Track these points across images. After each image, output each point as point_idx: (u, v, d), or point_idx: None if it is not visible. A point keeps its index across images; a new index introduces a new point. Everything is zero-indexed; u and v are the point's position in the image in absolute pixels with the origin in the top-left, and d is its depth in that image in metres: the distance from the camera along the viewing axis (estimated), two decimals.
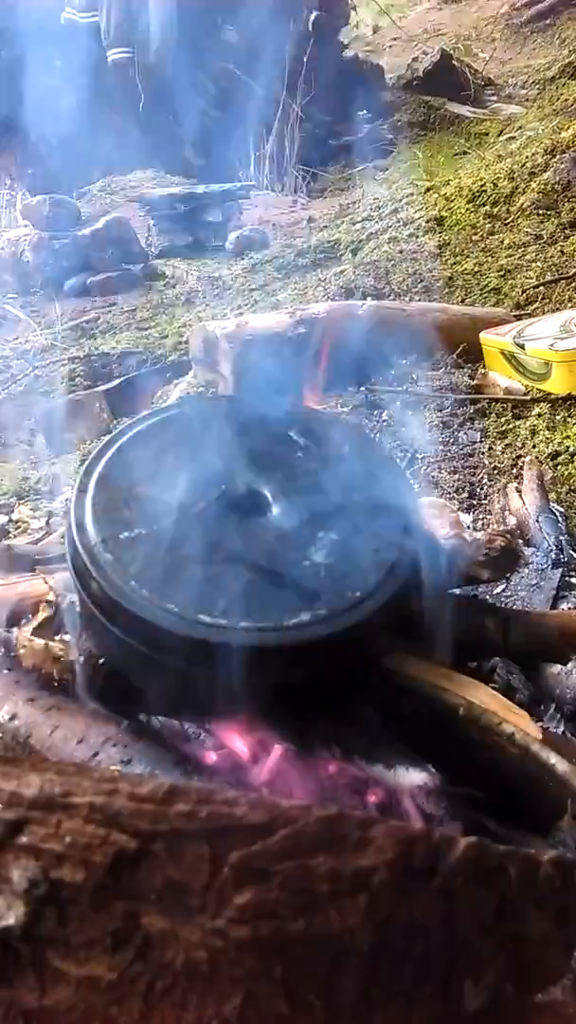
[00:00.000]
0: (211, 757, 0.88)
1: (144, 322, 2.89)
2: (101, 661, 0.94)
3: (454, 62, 5.72)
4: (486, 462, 1.79)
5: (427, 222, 3.18)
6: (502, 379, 2.07)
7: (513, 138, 4.31)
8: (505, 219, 3.13)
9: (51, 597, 1.06)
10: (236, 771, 0.85)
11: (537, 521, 1.49)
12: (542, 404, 1.95)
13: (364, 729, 0.88)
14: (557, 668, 1.07)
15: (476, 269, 2.78)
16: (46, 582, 1.11)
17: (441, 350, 2.21)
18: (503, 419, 1.94)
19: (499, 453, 1.82)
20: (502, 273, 2.73)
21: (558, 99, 4.87)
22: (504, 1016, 0.54)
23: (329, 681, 0.87)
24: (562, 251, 2.82)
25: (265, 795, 0.58)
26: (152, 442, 1.04)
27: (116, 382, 2.36)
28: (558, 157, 3.24)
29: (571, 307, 2.37)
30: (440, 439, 1.89)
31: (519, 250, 2.87)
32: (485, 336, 2.17)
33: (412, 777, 0.85)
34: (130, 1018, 0.49)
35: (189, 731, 0.92)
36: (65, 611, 1.03)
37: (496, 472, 1.75)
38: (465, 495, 1.68)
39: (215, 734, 0.90)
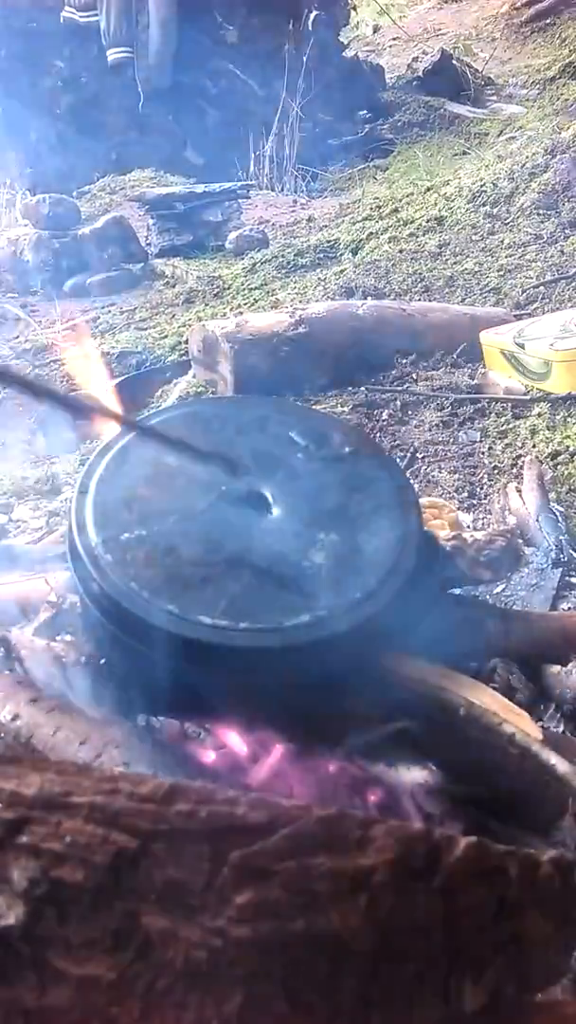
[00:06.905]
0: (211, 757, 0.88)
1: (144, 322, 2.89)
2: (102, 662, 0.94)
3: (454, 62, 5.72)
4: (486, 462, 1.79)
5: (427, 222, 3.18)
6: (502, 379, 2.07)
7: (513, 138, 4.30)
8: (505, 219, 3.13)
9: (52, 598, 1.06)
10: (236, 771, 0.85)
11: (537, 521, 1.49)
12: (542, 404, 1.95)
13: (364, 729, 0.88)
14: (557, 668, 1.07)
15: (476, 269, 2.78)
16: (47, 582, 1.11)
17: (441, 350, 2.21)
18: (503, 419, 1.94)
19: (499, 453, 1.82)
20: (502, 273, 2.73)
21: (558, 99, 4.88)
22: (504, 1016, 0.54)
23: (329, 682, 0.87)
24: (562, 251, 2.82)
25: (265, 795, 0.58)
26: (153, 443, 1.04)
27: (116, 382, 2.35)
28: (558, 157, 3.25)
29: (571, 307, 2.37)
30: (440, 439, 1.89)
31: (519, 250, 2.87)
32: (485, 336, 2.17)
33: (412, 777, 0.85)
34: (130, 1018, 0.49)
35: (190, 731, 0.92)
36: (66, 612, 1.03)
37: (496, 472, 1.75)
38: (465, 495, 1.68)
39: (215, 734, 0.90)
